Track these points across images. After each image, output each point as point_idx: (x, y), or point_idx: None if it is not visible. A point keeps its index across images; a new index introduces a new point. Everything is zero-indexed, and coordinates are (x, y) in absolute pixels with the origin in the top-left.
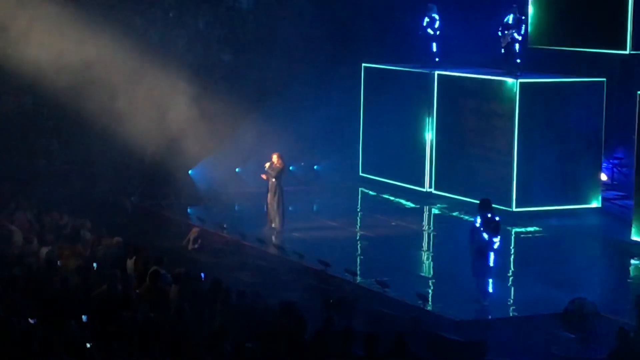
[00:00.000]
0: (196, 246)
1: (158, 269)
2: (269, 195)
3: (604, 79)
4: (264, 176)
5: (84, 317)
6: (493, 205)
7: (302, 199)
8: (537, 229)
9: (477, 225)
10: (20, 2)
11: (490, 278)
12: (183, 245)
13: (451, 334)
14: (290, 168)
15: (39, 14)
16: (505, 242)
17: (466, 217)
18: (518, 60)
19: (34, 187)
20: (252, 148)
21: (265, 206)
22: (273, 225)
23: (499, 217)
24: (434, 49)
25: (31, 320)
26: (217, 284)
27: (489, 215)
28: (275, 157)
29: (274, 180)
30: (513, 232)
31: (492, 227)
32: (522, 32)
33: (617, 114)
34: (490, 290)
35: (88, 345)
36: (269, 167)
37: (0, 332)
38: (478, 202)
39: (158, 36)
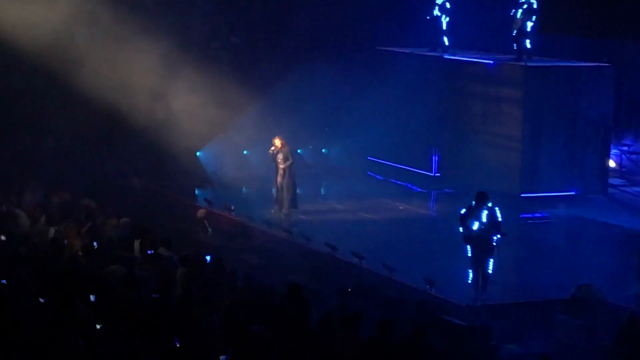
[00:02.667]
0: (210, 229)
1: (162, 250)
2: (278, 178)
3: (611, 65)
4: (281, 166)
5: (92, 297)
6: (497, 192)
7: (310, 182)
8: (544, 215)
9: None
10: None
11: (488, 269)
12: (201, 233)
13: (457, 318)
14: (299, 151)
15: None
16: (511, 227)
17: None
18: (528, 46)
19: (41, 167)
20: (260, 131)
21: (274, 189)
22: (283, 209)
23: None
24: (444, 34)
25: (41, 300)
26: (222, 266)
27: (487, 211)
28: (277, 141)
29: (282, 164)
30: (519, 218)
31: (494, 221)
32: (534, 16)
33: (627, 101)
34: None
35: (98, 326)
36: (275, 152)
37: (8, 312)
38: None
39: (169, 18)
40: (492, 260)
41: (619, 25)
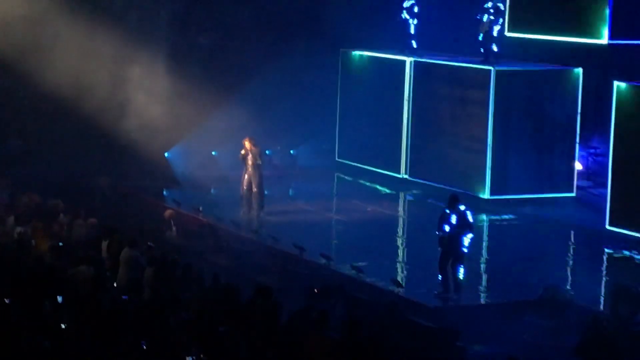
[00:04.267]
0: (174, 230)
1: (127, 251)
2: (246, 178)
3: (580, 68)
4: (250, 168)
5: (59, 298)
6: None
7: (278, 183)
8: (511, 217)
9: (449, 220)
10: None
11: (459, 271)
12: (167, 233)
13: (424, 320)
14: (267, 152)
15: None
16: (479, 229)
17: (441, 204)
18: (495, 48)
19: (8, 167)
20: (228, 131)
21: (241, 190)
22: (252, 210)
23: (470, 211)
24: (412, 35)
25: (6, 300)
26: (189, 267)
27: (458, 214)
28: (247, 143)
29: (251, 165)
30: (487, 220)
31: (465, 223)
32: (500, 20)
33: (593, 104)
34: (458, 283)
35: (63, 326)
36: (246, 154)
37: None
38: (451, 190)
39: (137, 18)
40: (462, 267)
41: (584, 27)
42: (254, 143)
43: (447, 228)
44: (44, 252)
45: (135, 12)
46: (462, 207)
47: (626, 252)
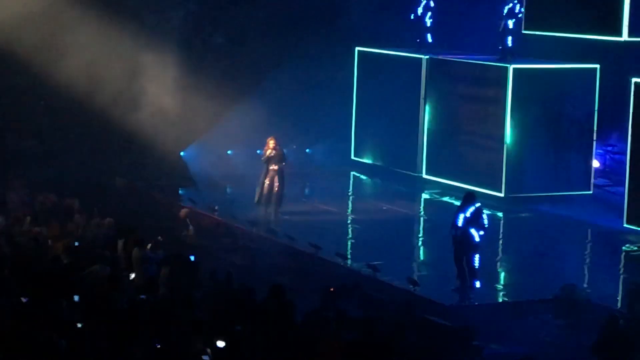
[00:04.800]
0: (190, 229)
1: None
2: (267, 179)
3: (598, 66)
4: (275, 167)
5: (75, 297)
6: (479, 194)
7: (294, 182)
8: (528, 215)
9: (468, 216)
10: None
11: (474, 277)
12: (183, 232)
13: (440, 318)
14: (258, 152)
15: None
16: (495, 227)
17: (457, 203)
18: (511, 45)
19: (25, 167)
20: (244, 130)
21: (259, 190)
22: (270, 209)
23: (484, 209)
24: (428, 33)
25: (23, 299)
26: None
27: (475, 208)
28: (272, 142)
29: (275, 165)
30: (504, 218)
31: (478, 221)
32: (517, 17)
33: (611, 101)
34: (474, 284)
35: (79, 325)
36: (271, 153)
37: None
38: (467, 188)
39: (151, 16)
40: (477, 255)
41: (602, 24)
42: (278, 143)
43: (460, 222)
44: (60, 251)
45: (150, 11)
46: (478, 205)
47: None
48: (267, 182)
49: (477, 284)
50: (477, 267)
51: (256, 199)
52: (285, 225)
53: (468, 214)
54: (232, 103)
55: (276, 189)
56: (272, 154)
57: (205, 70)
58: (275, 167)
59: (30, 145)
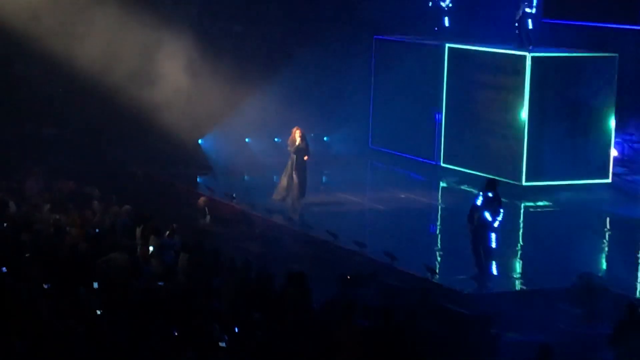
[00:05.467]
0: (208, 217)
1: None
2: (294, 169)
3: (617, 54)
4: (305, 158)
5: (94, 284)
6: (498, 184)
7: (312, 170)
8: (546, 203)
9: (479, 204)
10: None
11: (490, 258)
12: (201, 221)
13: (458, 306)
14: (275, 139)
15: None
16: (514, 216)
17: (475, 191)
18: (530, 34)
19: (43, 154)
20: (261, 119)
21: (284, 180)
22: (295, 199)
23: (501, 198)
24: (446, 22)
25: (45, 286)
26: (225, 254)
27: (492, 195)
28: (298, 132)
29: (294, 155)
30: (522, 207)
31: (494, 208)
32: (535, 5)
33: (630, 90)
34: (491, 269)
35: (98, 312)
36: (298, 143)
37: (11, 298)
38: (486, 177)
39: (170, 4)
40: (493, 234)
41: (622, 13)
42: (303, 133)
43: (476, 208)
44: (79, 239)
45: (169, 0)
46: (495, 193)
47: None
48: (293, 172)
49: (494, 269)
50: (493, 247)
51: (278, 194)
52: (303, 213)
53: (483, 200)
54: (250, 91)
55: (296, 179)
56: (302, 145)
57: (224, 58)
58: (296, 158)
59: (49, 133)
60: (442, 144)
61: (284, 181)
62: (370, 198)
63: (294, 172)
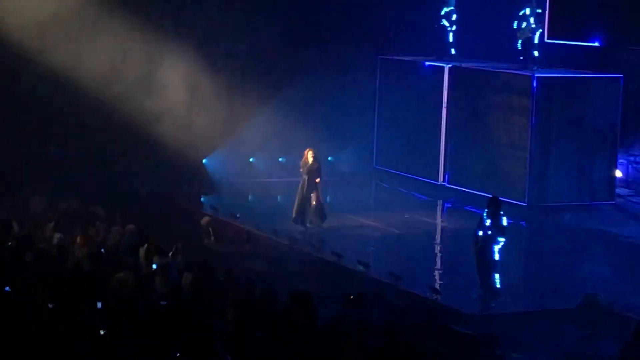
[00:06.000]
0: (212, 237)
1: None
2: (310, 192)
3: (621, 75)
4: (317, 180)
5: (98, 304)
6: (502, 202)
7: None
8: (551, 224)
9: (483, 223)
10: None
11: (494, 277)
12: (205, 240)
13: (463, 327)
14: (280, 159)
15: (57, 5)
16: (519, 236)
17: (479, 211)
18: (535, 54)
19: (47, 173)
20: (266, 138)
21: (296, 200)
22: (312, 222)
23: (507, 217)
24: (450, 42)
25: (49, 305)
26: (229, 273)
27: (496, 213)
28: (311, 154)
29: (306, 177)
30: (527, 227)
31: (499, 226)
32: (539, 25)
33: (634, 111)
34: (495, 287)
35: (102, 332)
36: (313, 166)
37: (13, 317)
38: (489, 196)
39: (173, 24)
40: (497, 275)
41: (626, 34)
42: (313, 158)
43: (480, 232)
44: (83, 258)
45: (172, 19)
46: (500, 211)
47: None
48: (309, 195)
49: (499, 289)
50: (498, 266)
51: (294, 215)
52: (307, 233)
53: (488, 222)
54: (255, 110)
55: (313, 202)
56: (314, 166)
57: (227, 78)
58: (305, 179)
59: (53, 152)
60: (445, 164)
61: (297, 202)
62: (374, 218)
63: (308, 194)
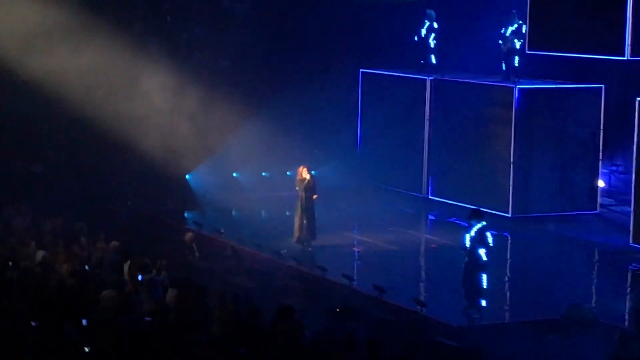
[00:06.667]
0: (196, 253)
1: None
2: (300, 209)
3: (602, 85)
4: (315, 197)
5: (83, 321)
6: (486, 213)
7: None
8: (534, 235)
9: (467, 235)
10: (27, 8)
11: (481, 290)
12: (189, 256)
13: (448, 339)
14: (288, 173)
15: (40, 20)
16: (503, 248)
17: (463, 223)
18: (516, 65)
19: (30, 191)
20: (249, 153)
21: (295, 219)
22: (305, 240)
23: (491, 229)
24: (432, 55)
25: (33, 323)
26: (214, 289)
27: (478, 225)
28: (305, 171)
29: (303, 194)
30: (510, 238)
31: (482, 238)
32: (521, 38)
33: (616, 121)
34: (481, 301)
35: (86, 349)
36: (309, 183)
37: None
38: (471, 208)
39: (157, 41)
40: (484, 275)
41: (607, 44)
42: (308, 174)
43: (467, 242)
44: (67, 275)
45: (155, 35)
46: (483, 223)
47: None
48: (300, 212)
49: (483, 303)
50: (483, 287)
51: (296, 236)
52: (291, 248)
53: (473, 233)
54: (238, 125)
55: (310, 218)
56: (310, 184)
57: (210, 93)
58: (302, 196)
59: (37, 170)
60: (429, 176)
61: (297, 221)
62: (358, 231)
63: (308, 211)
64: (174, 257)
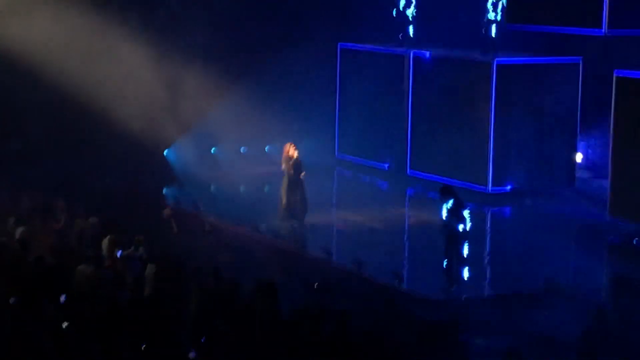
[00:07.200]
0: (175, 229)
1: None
2: (291, 189)
3: (580, 58)
4: (302, 175)
5: (61, 298)
6: (461, 189)
7: (277, 180)
8: (512, 209)
9: (444, 212)
10: None
11: (459, 264)
12: (173, 232)
13: (426, 313)
14: (265, 149)
15: None
16: (481, 222)
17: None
18: (494, 40)
19: (9, 166)
20: (227, 129)
21: (282, 198)
22: (296, 220)
23: (467, 203)
24: (411, 29)
25: (11, 300)
26: (192, 264)
27: (452, 200)
28: (293, 149)
29: (292, 171)
30: (489, 213)
31: (458, 213)
32: (500, 11)
33: (594, 94)
34: (459, 275)
35: (65, 325)
36: (297, 161)
37: None
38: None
39: (136, 16)
40: (463, 245)
41: (585, 17)
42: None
43: (443, 216)
44: (45, 252)
45: (134, 11)
46: (455, 198)
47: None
48: (289, 193)
49: (465, 276)
50: (463, 257)
51: (280, 215)
52: (270, 223)
53: (449, 205)
54: (215, 101)
55: (302, 198)
56: (298, 161)
57: (188, 69)
58: (291, 174)
59: (14, 146)
60: (408, 151)
61: (284, 200)
62: (337, 207)
63: (297, 189)
64: (152, 232)
